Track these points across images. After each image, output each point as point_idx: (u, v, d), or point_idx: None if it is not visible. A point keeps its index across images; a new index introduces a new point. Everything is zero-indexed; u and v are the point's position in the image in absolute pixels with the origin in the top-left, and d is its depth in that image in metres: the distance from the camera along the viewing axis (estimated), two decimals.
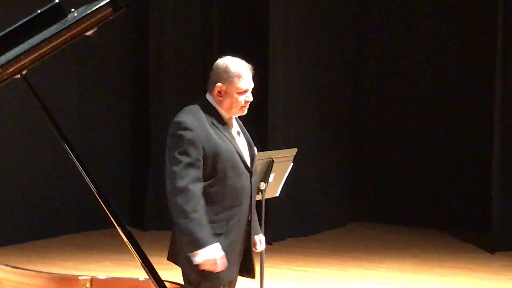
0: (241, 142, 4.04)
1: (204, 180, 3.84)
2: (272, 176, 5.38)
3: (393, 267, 8.19)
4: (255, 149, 4.13)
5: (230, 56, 4.01)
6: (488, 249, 8.98)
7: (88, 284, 3.07)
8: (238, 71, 3.92)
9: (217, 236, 3.85)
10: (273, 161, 5.33)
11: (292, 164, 5.59)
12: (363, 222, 10.61)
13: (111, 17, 3.18)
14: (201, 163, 3.82)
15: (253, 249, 4.12)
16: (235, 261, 4.00)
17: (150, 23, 10.11)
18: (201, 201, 3.78)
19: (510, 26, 8.92)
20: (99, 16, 3.14)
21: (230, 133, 3.98)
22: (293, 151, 5.60)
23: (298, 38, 9.71)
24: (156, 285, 2.78)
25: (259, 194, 5.35)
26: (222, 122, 3.95)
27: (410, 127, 10.41)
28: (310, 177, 9.94)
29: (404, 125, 10.43)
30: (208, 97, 4.00)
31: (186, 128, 3.85)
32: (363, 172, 10.74)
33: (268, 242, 9.01)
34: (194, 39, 10.28)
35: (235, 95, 3.92)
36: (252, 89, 4.00)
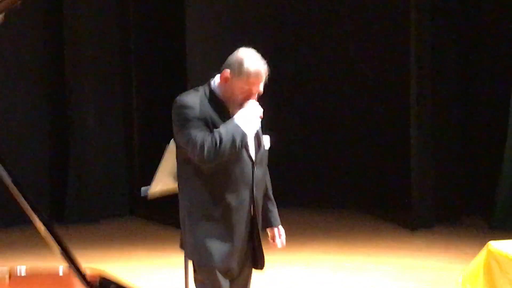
0: None
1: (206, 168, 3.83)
2: None
3: (318, 250, 8.28)
4: (265, 140, 4.04)
5: (253, 50, 3.93)
6: (409, 227, 9.16)
7: (6, 275, 3.02)
8: (253, 70, 3.85)
9: (213, 220, 3.84)
10: None
11: None
12: (287, 206, 10.66)
13: (16, 5, 3.06)
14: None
15: (272, 242, 4.13)
16: (235, 250, 3.92)
17: (65, 27, 9.94)
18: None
19: (422, 28, 9.17)
20: (4, 3, 3.03)
21: (229, 118, 3.90)
22: None
23: (216, 43, 9.71)
24: (76, 271, 2.75)
25: None
26: (225, 110, 3.90)
27: (330, 110, 10.49)
28: None
29: (325, 108, 10.50)
30: (214, 79, 3.97)
31: (187, 107, 3.82)
32: (286, 156, 10.81)
33: None
34: (111, 33, 10.20)
35: (239, 90, 3.86)
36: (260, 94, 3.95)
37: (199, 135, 3.74)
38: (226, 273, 3.95)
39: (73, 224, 9.56)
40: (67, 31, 9.87)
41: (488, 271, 4.50)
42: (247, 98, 3.87)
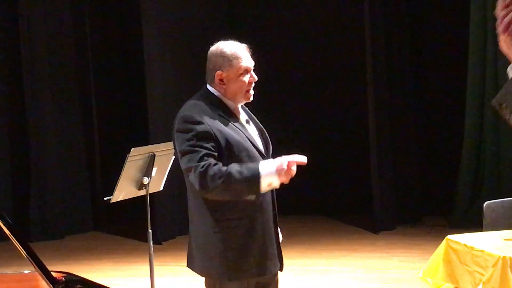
0: (252, 130, 3.82)
1: None
2: (155, 170, 5.39)
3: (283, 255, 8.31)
4: (268, 136, 3.90)
5: (221, 41, 3.76)
6: (372, 230, 9.27)
7: None
8: (235, 52, 3.69)
9: (239, 232, 3.66)
10: (154, 155, 5.35)
11: (174, 157, 5.62)
12: None
13: None
14: (216, 154, 3.57)
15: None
16: (267, 255, 3.77)
17: (21, 29, 9.92)
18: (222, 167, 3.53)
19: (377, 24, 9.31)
20: None
21: (240, 122, 3.76)
22: None
23: (171, 33, 9.73)
24: (43, 275, 2.79)
25: (142, 189, 5.36)
26: (229, 112, 3.72)
27: (290, 115, 10.55)
28: None
29: (284, 112, 10.54)
30: (210, 88, 3.76)
31: (195, 122, 3.59)
32: None
33: (157, 241, 9.12)
34: (66, 39, 10.19)
35: (239, 78, 3.69)
36: (254, 67, 3.76)
37: (208, 159, 3.53)
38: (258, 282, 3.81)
39: (38, 241, 9.54)
40: (25, 48, 9.87)
41: (447, 263, 4.59)
42: (250, 83, 3.73)
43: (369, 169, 9.40)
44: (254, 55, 3.79)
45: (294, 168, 3.57)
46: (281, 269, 3.90)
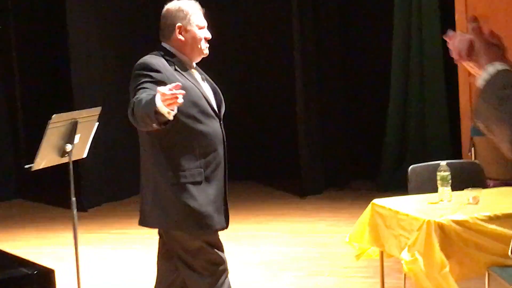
0: (207, 88, 3.93)
1: (175, 127, 3.66)
2: (77, 137, 5.25)
3: None
4: (222, 96, 4.02)
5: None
6: (299, 194, 9.30)
7: None
8: (193, 8, 3.87)
9: (198, 183, 3.73)
10: (77, 121, 5.20)
11: (97, 123, 5.50)
12: None
13: None
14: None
15: None
16: (221, 209, 3.86)
17: None
18: None
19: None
20: None
21: (195, 79, 3.87)
22: (97, 110, 5.48)
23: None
24: None
25: (65, 156, 5.23)
26: (185, 68, 3.84)
27: (219, 81, 10.49)
28: (121, 139, 9.87)
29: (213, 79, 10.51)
30: (166, 45, 3.87)
31: (153, 70, 3.71)
32: None
33: (83, 208, 8.99)
34: None
35: (197, 31, 3.84)
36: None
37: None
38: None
39: None
40: None
41: (373, 228, 4.60)
42: (206, 38, 3.89)
43: (296, 134, 9.41)
44: (205, 15, 3.95)
45: (169, 94, 3.42)
46: (227, 226, 3.95)
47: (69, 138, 5.18)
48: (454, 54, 1.88)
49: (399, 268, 4.46)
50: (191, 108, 3.73)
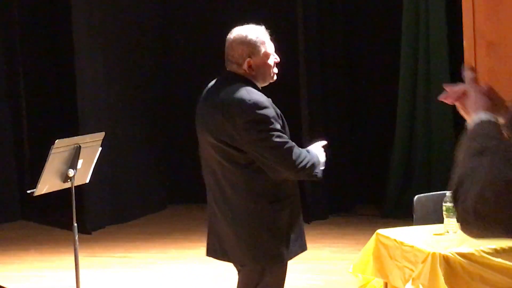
0: None
1: None
2: (80, 162, 5.23)
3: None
4: None
5: (240, 27, 3.81)
6: (304, 219, 9.18)
7: None
8: (260, 37, 3.76)
9: (284, 210, 3.73)
10: (80, 146, 5.19)
11: (100, 148, 5.48)
12: (182, 204, 10.63)
13: None
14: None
15: None
16: (303, 229, 3.90)
17: None
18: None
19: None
20: None
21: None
22: (101, 135, 5.47)
23: (102, 21, 9.55)
24: None
25: (68, 181, 5.21)
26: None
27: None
28: (126, 162, 9.86)
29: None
30: (237, 72, 3.76)
31: (264, 107, 3.65)
32: (178, 155, 10.76)
33: (86, 231, 8.96)
34: None
35: (266, 64, 3.77)
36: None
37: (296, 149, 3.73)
38: None
39: None
40: None
41: (377, 258, 4.55)
42: (275, 64, 3.84)
43: None
44: (272, 36, 3.87)
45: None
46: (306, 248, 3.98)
47: (72, 163, 5.16)
48: (442, 95, 1.95)
49: None
50: (286, 130, 3.82)
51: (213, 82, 3.87)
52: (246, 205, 3.66)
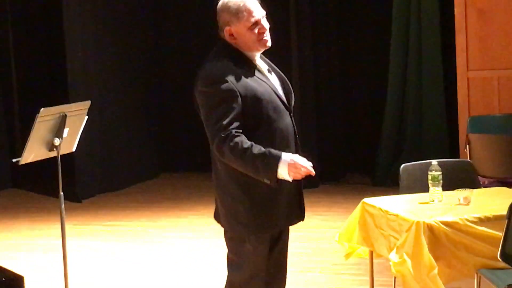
0: (274, 80, 3.72)
1: (248, 129, 3.49)
2: (66, 131, 5.20)
3: (203, 213, 8.25)
4: (290, 84, 3.81)
5: None
6: None
7: None
8: (243, 4, 3.57)
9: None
10: (66, 115, 5.15)
11: (87, 117, 5.45)
12: (172, 172, 10.63)
13: None
14: (241, 114, 3.48)
15: None
16: (286, 207, 3.71)
17: None
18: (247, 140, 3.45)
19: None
20: None
21: (262, 73, 3.67)
22: (86, 104, 5.43)
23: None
24: None
25: (54, 150, 5.18)
26: (249, 63, 3.63)
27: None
28: (117, 131, 9.84)
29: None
30: (226, 40, 3.62)
31: (218, 81, 3.48)
32: (171, 123, 10.74)
33: (77, 199, 8.96)
34: None
35: (248, 31, 3.57)
36: (266, 15, 3.63)
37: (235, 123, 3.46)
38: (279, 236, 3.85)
39: None
40: None
41: (363, 227, 4.55)
42: (261, 32, 3.61)
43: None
44: (263, 2, 3.68)
45: (303, 170, 3.45)
46: (302, 218, 3.90)
47: (58, 132, 5.13)
48: None
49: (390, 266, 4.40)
50: (264, 107, 3.55)
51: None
52: (226, 170, 3.62)
